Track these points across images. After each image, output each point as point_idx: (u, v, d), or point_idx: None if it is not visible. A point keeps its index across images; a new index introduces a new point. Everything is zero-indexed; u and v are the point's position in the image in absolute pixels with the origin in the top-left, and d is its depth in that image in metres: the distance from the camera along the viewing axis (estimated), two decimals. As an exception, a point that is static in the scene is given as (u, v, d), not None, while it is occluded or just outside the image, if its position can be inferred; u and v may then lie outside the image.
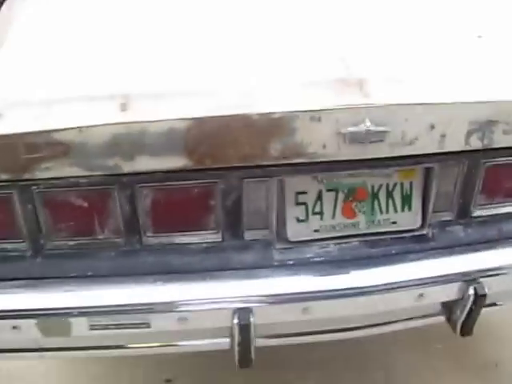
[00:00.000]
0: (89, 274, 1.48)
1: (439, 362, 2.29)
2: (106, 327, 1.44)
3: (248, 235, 1.52)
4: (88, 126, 1.32)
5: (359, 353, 2.27)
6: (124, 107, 1.35)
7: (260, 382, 2.15)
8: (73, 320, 1.44)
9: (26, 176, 1.36)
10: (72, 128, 1.31)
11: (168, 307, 1.45)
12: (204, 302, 1.46)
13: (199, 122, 1.34)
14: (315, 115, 1.35)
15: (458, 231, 1.61)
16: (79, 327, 1.44)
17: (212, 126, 1.35)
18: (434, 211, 1.57)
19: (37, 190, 1.40)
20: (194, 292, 1.46)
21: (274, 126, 1.35)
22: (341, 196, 1.52)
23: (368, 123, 1.36)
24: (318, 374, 2.24)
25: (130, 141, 1.33)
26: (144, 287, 1.46)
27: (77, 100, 1.37)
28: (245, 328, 1.45)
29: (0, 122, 1.33)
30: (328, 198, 1.52)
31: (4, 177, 1.36)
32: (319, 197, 1.51)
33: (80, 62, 1.46)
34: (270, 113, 1.35)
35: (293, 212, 1.51)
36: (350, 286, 1.48)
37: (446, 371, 2.26)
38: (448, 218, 1.60)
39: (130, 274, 1.48)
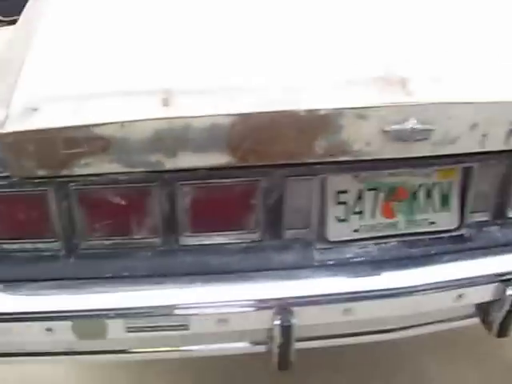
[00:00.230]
0: (125, 274, 1.43)
1: (465, 369, 2.26)
2: (142, 329, 1.40)
3: (288, 235, 1.48)
4: (130, 121, 1.28)
5: (387, 357, 2.25)
6: (166, 102, 1.31)
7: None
8: (109, 322, 1.39)
9: (64, 172, 1.31)
10: (113, 123, 1.27)
11: (208, 308, 1.41)
12: (244, 304, 1.43)
13: (244, 117, 1.31)
14: (360, 112, 1.33)
15: (495, 232, 1.60)
16: (115, 329, 1.40)
17: (257, 122, 1.32)
18: (471, 211, 1.56)
19: (74, 187, 1.35)
20: (233, 293, 1.43)
21: (320, 122, 1.33)
22: (381, 195, 1.50)
23: (414, 121, 1.35)
24: (345, 378, 2.21)
25: (172, 136, 1.29)
26: (182, 288, 1.42)
27: (117, 95, 1.32)
28: (286, 329, 1.41)
29: (37, 116, 1.28)
30: (368, 197, 1.49)
31: (41, 173, 1.30)
32: (360, 196, 1.49)
33: (119, 56, 1.42)
34: (316, 109, 1.32)
35: (333, 211, 1.48)
36: (390, 287, 1.46)
37: (471, 378, 2.25)
38: (485, 219, 1.59)
39: (168, 275, 1.44)
